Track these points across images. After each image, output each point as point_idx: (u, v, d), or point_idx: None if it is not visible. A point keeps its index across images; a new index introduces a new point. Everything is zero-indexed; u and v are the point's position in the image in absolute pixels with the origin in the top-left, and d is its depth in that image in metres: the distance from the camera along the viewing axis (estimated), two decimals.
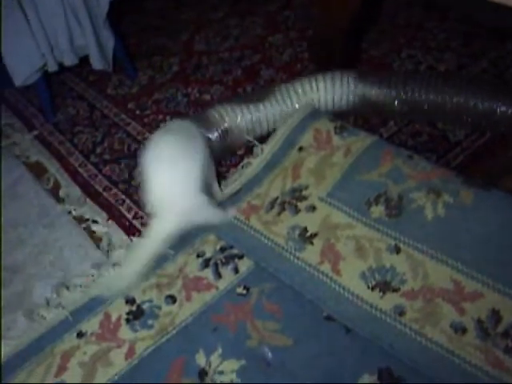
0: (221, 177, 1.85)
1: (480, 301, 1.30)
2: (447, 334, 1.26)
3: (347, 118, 1.94)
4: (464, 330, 1.26)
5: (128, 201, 1.88)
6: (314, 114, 1.83)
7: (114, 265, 1.58)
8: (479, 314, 1.28)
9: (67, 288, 1.55)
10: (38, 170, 2.11)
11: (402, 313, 1.32)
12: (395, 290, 1.36)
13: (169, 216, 1.47)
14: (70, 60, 2.28)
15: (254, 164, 1.80)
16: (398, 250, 1.43)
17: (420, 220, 1.46)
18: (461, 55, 2.35)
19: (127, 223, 1.79)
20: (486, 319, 1.27)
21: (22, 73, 2.20)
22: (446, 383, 1.19)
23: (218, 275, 1.50)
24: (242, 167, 1.83)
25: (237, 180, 1.78)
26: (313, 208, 1.58)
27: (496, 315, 1.27)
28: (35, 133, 2.32)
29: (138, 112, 2.34)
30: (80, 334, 1.43)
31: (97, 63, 2.35)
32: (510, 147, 1.82)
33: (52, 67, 2.24)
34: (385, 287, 1.37)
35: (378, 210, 1.52)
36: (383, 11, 2.77)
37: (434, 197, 1.47)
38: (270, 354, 1.30)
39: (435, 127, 1.94)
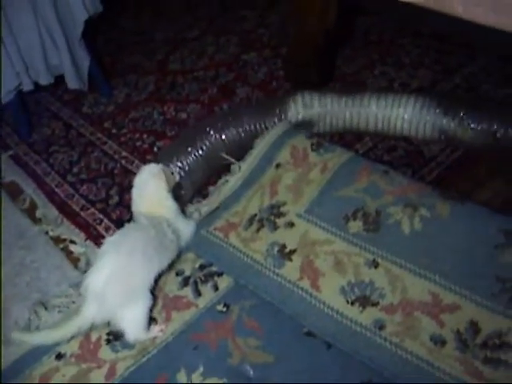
0: (199, 195, 1.86)
1: (458, 313, 1.32)
2: (427, 347, 1.27)
3: (323, 134, 1.96)
4: (443, 342, 1.27)
5: (106, 220, 1.87)
6: (290, 131, 1.85)
7: None
8: (458, 326, 1.29)
9: (46, 309, 1.53)
10: (13, 191, 2.08)
11: (381, 327, 1.32)
12: (374, 305, 1.37)
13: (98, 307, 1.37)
14: (45, 79, 2.28)
15: (232, 181, 1.81)
16: (376, 265, 1.44)
17: (397, 234, 1.48)
18: (434, 71, 2.39)
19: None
20: (465, 331, 1.28)
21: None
22: None
23: (198, 293, 1.50)
24: (220, 185, 1.83)
25: (215, 198, 1.79)
26: (291, 224, 1.59)
27: (474, 326, 1.28)
28: (10, 153, 2.30)
29: (114, 131, 2.33)
30: (59, 356, 1.41)
31: (72, 82, 2.35)
32: (481, 161, 1.85)
33: (27, 86, 2.23)
34: (364, 302, 1.38)
35: (355, 225, 1.54)
36: (356, 28, 2.81)
37: (411, 211, 1.49)
38: (251, 372, 1.29)
39: (410, 142, 1.96)
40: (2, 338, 1.45)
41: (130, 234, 1.47)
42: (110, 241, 1.45)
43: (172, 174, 1.67)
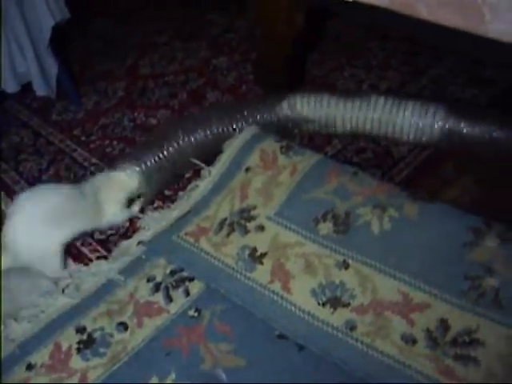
0: (169, 200, 1.85)
1: (428, 311, 1.33)
2: (398, 346, 1.28)
3: (293, 137, 1.97)
4: (414, 341, 1.28)
5: None
6: (259, 135, 1.85)
7: (63, 292, 1.56)
8: (428, 325, 1.30)
9: (15, 320, 1.51)
10: None
11: (352, 328, 1.33)
12: (345, 306, 1.38)
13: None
14: (11, 87, 2.25)
15: (202, 186, 1.81)
16: (346, 266, 1.45)
17: (367, 235, 1.48)
18: (402, 73, 2.41)
19: (75, 251, 1.76)
20: (435, 329, 1.29)
21: None
22: None
23: (169, 299, 1.49)
24: (190, 190, 1.83)
25: (185, 203, 1.78)
26: (261, 228, 1.59)
27: (444, 324, 1.29)
28: None
29: (83, 138, 2.32)
30: (29, 367, 1.39)
31: (40, 90, 2.33)
32: (448, 160, 1.87)
33: None
34: (335, 303, 1.39)
35: (325, 227, 1.54)
36: (325, 31, 2.82)
37: (380, 212, 1.50)
38: (224, 376, 1.29)
39: (379, 144, 1.98)
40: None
41: (44, 193, 1.63)
42: (23, 196, 1.64)
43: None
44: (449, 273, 1.38)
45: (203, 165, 1.86)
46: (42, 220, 1.55)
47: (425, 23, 1.60)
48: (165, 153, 1.85)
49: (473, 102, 2.17)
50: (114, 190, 1.70)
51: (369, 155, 1.96)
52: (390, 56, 2.55)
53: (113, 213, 1.71)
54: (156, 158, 1.84)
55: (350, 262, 1.46)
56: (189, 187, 1.84)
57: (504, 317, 1.27)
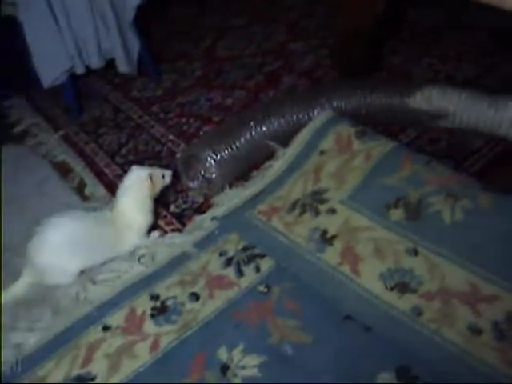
0: (243, 179, 1.90)
1: (496, 303, 1.33)
2: (463, 335, 1.29)
3: (367, 124, 1.98)
4: (480, 331, 1.28)
5: None
6: (334, 118, 1.87)
7: (139, 260, 1.63)
8: (495, 317, 1.30)
9: (93, 283, 1.59)
10: (63, 170, 2.15)
11: (419, 313, 1.35)
12: (413, 291, 1.39)
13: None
14: (96, 63, 2.34)
15: (276, 167, 1.84)
16: (416, 253, 1.46)
17: (438, 224, 1.49)
18: (479, 66, 2.38)
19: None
20: (502, 321, 1.29)
21: (51, 74, 2.27)
22: (461, 382, 1.22)
23: (240, 274, 1.54)
24: (264, 169, 1.87)
25: (258, 182, 1.82)
26: (333, 211, 1.62)
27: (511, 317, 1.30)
28: (61, 133, 2.37)
29: (161, 115, 2.39)
30: (106, 328, 1.47)
31: (122, 66, 2.41)
32: None
33: (79, 70, 2.31)
34: (403, 288, 1.40)
35: (397, 214, 1.56)
36: (404, 20, 2.80)
37: (452, 201, 1.50)
38: (290, 351, 1.33)
39: (453, 135, 1.96)
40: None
41: (75, 220, 1.65)
42: (55, 218, 1.63)
43: (163, 177, 1.74)
44: None
45: (278, 146, 1.89)
46: (65, 245, 1.58)
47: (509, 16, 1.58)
48: (237, 143, 1.87)
49: None
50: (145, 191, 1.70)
51: (443, 145, 1.95)
52: (467, 47, 2.51)
53: (132, 242, 1.69)
54: (229, 149, 1.86)
55: (419, 249, 1.47)
56: (263, 167, 1.88)
57: None
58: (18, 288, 1.60)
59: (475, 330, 1.29)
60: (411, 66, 2.45)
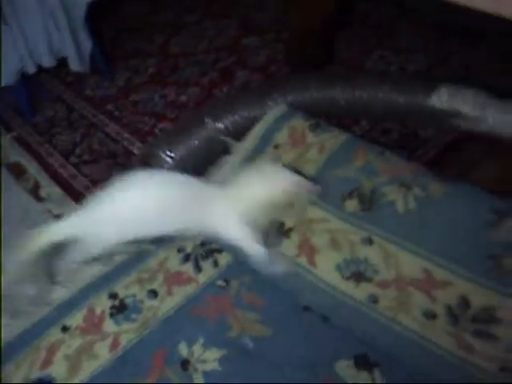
0: (201, 175, 1.88)
1: (449, 288, 1.35)
2: (419, 321, 1.32)
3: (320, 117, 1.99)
4: (434, 316, 1.31)
5: None
6: (288, 112, 1.88)
7: (97, 260, 1.62)
8: (449, 301, 1.33)
9: (51, 283, 1.58)
10: (17, 171, 2.13)
11: (375, 301, 1.37)
12: (369, 280, 1.41)
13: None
14: (48, 62, 2.32)
15: (231, 162, 1.84)
16: (371, 242, 1.48)
17: (392, 213, 1.51)
18: (430, 57, 2.42)
19: None
20: (456, 306, 1.32)
21: (1, 75, 2.23)
22: (418, 367, 1.25)
23: (198, 269, 1.54)
24: (219, 165, 1.86)
25: (214, 178, 1.82)
26: (290, 203, 1.63)
27: (465, 301, 1.32)
28: (14, 134, 2.34)
29: (116, 113, 2.37)
30: (65, 328, 1.46)
31: (75, 65, 2.39)
32: (476, 142, 1.88)
33: (31, 69, 2.28)
34: (359, 277, 1.42)
35: (352, 204, 1.57)
36: (354, 12, 2.83)
37: (405, 190, 1.52)
38: (250, 344, 1.34)
39: (405, 125, 2.00)
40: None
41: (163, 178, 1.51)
42: (144, 174, 1.52)
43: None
44: (471, 252, 1.40)
45: (232, 141, 1.89)
46: (151, 204, 1.43)
47: (458, 7, 1.60)
48: (193, 140, 1.87)
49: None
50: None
51: (395, 136, 1.98)
52: (418, 39, 2.55)
53: (231, 225, 1.46)
54: (185, 146, 1.86)
55: (374, 238, 1.48)
56: (218, 162, 1.87)
57: None
58: None
59: (430, 316, 1.32)
60: (363, 59, 2.48)
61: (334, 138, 1.74)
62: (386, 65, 2.41)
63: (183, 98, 2.40)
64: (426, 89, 1.90)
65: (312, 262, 1.48)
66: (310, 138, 1.76)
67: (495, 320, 1.28)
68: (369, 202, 1.55)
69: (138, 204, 1.42)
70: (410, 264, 1.42)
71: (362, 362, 1.26)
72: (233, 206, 1.46)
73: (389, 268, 1.42)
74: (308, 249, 1.51)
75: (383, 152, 1.66)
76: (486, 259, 1.37)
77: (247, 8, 3.08)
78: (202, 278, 1.52)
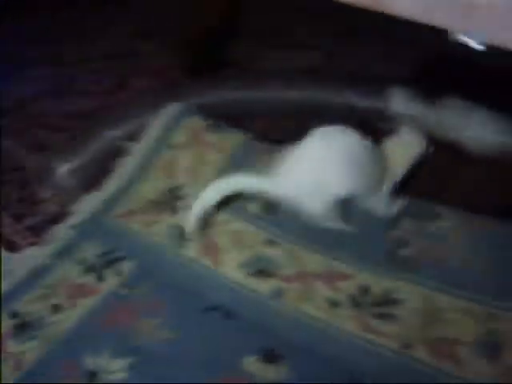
0: (99, 183, 1.86)
1: (350, 279, 1.43)
2: (323, 309, 1.36)
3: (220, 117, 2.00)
4: (337, 304, 1.37)
5: None
6: (184, 112, 1.87)
7: None
8: (350, 290, 1.40)
9: None
10: None
11: (280, 294, 1.40)
12: (273, 275, 1.45)
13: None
14: None
15: (126, 166, 1.83)
16: (273, 243, 1.53)
17: (294, 215, 1.54)
18: (326, 54, 2.46)
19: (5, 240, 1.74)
20: (357, 293, 1.39)
21: None
22: (326, 353, 1.28)
23: (101, 279, 1.52)
24: (115, 169, 1.84)
25: (112, 184, 1.79)
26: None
27: (365, 289, 1.39)
28: None
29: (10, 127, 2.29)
30: None
31: None
32: None
33: None
34: (263, 273, 1.45)
35: (253, 206, 1.60)
36: (249, 12, 2.83)
37: None
38: (156, 349, 1.33)
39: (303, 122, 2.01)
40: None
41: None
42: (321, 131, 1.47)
43: None
44: (368, 246, 1.50)
45: (128, 143, 1.88)
46: (333, 160, 1.40)
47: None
48: (89, 149, 1.86)
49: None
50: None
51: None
52: (313, 37, 2.59)
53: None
54: (81, 156, 1.85)
55: (277, 239, 1.53)
56: (114, 166, 1.84)
57: (420, 278, 1.39)
58: None
59: (334, 304, 1.37)
60: (258, 59, 2.49)
61: (234, 139, 1.76)
62: (282, 63, 2.43)
63: (79, 108, 2.34)
64: (321, 84, 1.94)
65: (216, 262, 1.49)
66: (209, 138, 1.77)
67: (395, 302, 1.35)
68: (271, 203, 1.57)
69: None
70: (314, 262, 1.47)
71: (268, 356, 1.27)
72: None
73: (292, 265, 1.47)
74: (211, 250, 1.52)
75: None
76: (382, 253, 1.47)
77: (139, 14, 3.03)
78: (106, 288, 1.49)
